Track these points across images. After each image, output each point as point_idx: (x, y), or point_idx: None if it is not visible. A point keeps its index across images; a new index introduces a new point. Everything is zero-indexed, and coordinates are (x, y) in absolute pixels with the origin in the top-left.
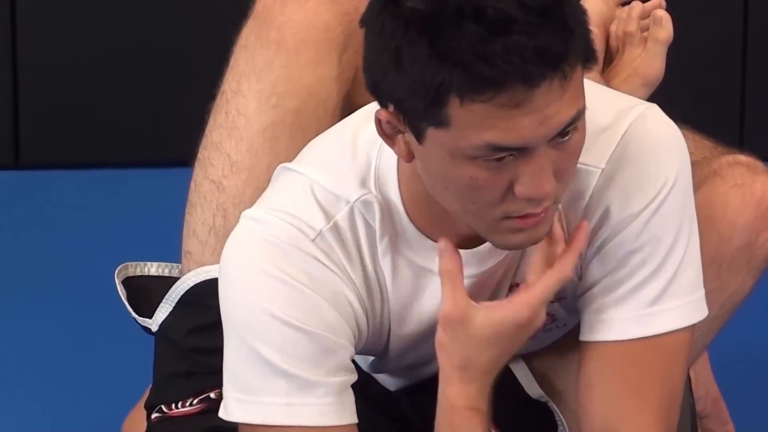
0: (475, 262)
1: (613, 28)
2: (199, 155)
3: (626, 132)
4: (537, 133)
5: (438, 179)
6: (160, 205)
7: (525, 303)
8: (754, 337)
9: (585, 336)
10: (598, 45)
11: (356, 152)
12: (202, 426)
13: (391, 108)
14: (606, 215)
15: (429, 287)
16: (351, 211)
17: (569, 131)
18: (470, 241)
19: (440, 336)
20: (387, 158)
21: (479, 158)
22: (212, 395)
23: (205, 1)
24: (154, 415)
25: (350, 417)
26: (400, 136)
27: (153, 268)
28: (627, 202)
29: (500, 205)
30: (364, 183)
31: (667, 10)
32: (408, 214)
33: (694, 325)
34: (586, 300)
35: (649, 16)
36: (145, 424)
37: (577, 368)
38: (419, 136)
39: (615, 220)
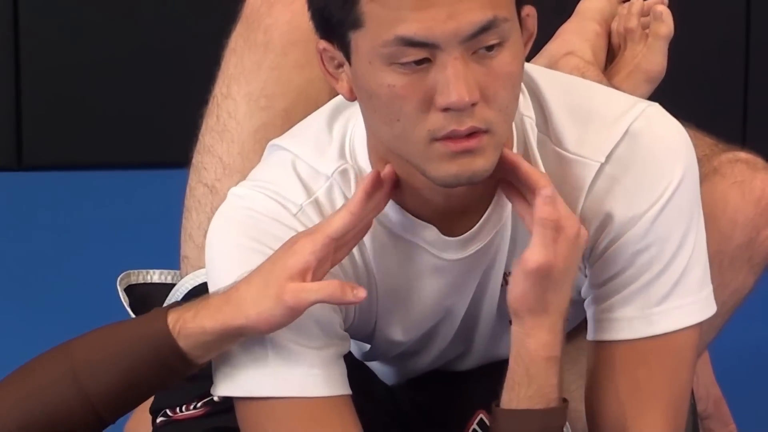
0: (457, 246)
1: (614, 25)
2: (193, 160)
3: (628, 130)
4: (446, 28)
5: (367, 102)
6: (164, 206)
7: (564, 218)
8: (756, 337)
9: (592, 335)
10: (600, 42)
11: (334, 127)
12: (206, 428)
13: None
14: (609, 219)
15: (417, 262)
16: (330, 187)
17: (493, 46)
18: (447, 218)
19: (522, 288)
20: (359, 129)
21: (395, 63)
22: (216, 398)
23: (206, 3)
24: (159, 419)
25: (340, 388)
26: (343, 73)
27: (155, 276)
28: (631, 204)
29: (423, 122)
30: (341, 155)
31: (668, 6)
32: None
33: (701, 323)
34: (593, 299)
35: (649, 12)
36: (147, 427)
37: (578, 367)
38: (347, 51)
39: (619, 222)
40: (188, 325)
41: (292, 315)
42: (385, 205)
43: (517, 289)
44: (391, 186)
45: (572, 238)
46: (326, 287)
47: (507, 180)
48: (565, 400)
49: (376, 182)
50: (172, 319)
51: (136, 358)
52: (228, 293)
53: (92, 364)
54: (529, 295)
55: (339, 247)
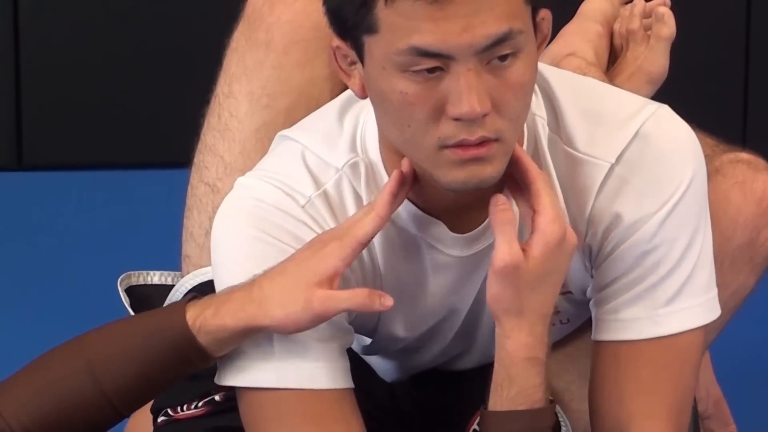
0: (464, 243)
1: (616, 26)
2: (195, 159)
3: (639, 131)
4: (460, 40)
5: (379, 104)
6: (164, 206)
7: (547, 221)
8: (756, 337)
9: (598, 335)
10: (602, 43)
11: (345, 120)
12: (207, 427)
13: (338, 30)
14: (618, 219)
15: (423, 258)
16: (339, 179)
17: (507, 56)
18: (456, 215)
19: (495, 288)
20: (371, 123)
21: (408, 70)
22: (217, 398)
23: (207, 3)
24: (160, 419)
25: (343, 381)
26: (355, 71)
27: (156, 277)
28: (640, 205)
29: (434, 129)
30: (352, 148)
31: (670, 8)
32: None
33: (706, 326)
34: (599, 299)
35: (651, 14)
36: (148, 426)
37: (579, 367)
38: (360, 53)
39: (628, 223)
40: (209, 322)
41: (318, 321)
42: (403, 200)
43: (491, 289)
44: (412, 181)
45: (553, 243)
46: (356, 296)
47: (513, 178)
48: (552, 401)
49: (401, 182)
50: (191, 315)
51: (153, 352)
52: (250, 291)
53: (108, 357)
54: (502, 296)
55: None
